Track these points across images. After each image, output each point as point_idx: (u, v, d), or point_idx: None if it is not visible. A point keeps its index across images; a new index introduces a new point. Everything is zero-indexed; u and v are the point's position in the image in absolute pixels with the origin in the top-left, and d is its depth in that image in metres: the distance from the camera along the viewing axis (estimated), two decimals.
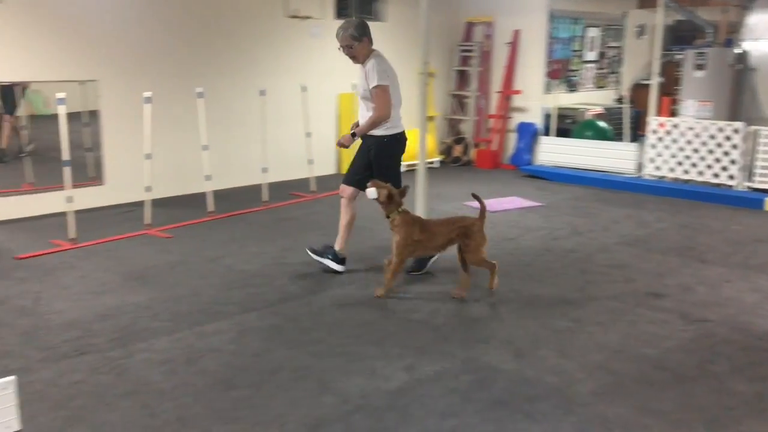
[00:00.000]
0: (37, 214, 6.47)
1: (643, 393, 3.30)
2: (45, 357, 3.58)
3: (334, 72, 8.83)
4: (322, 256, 5.01)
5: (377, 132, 4.77)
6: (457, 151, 10.04)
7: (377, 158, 4.84)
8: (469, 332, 4.01)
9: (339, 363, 3.58)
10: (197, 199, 7.15)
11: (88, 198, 6.73)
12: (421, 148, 6.04)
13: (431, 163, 9.08)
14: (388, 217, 4.59)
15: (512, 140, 9.89)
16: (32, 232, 5.93)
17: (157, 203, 6.60)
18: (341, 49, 4.76)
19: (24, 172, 6.87)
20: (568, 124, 9.68)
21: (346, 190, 4.98)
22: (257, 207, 7.09)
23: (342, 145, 4.82)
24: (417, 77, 6.05)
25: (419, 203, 6.08)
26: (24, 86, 6.70)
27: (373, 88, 4.64)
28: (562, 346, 3.82)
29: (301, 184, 8.08)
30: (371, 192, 4.59)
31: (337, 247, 5.02)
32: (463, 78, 10.37)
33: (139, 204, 6.47)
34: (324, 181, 8.34)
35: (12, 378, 2.88)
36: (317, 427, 2.96)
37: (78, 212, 5.78)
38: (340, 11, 8.99)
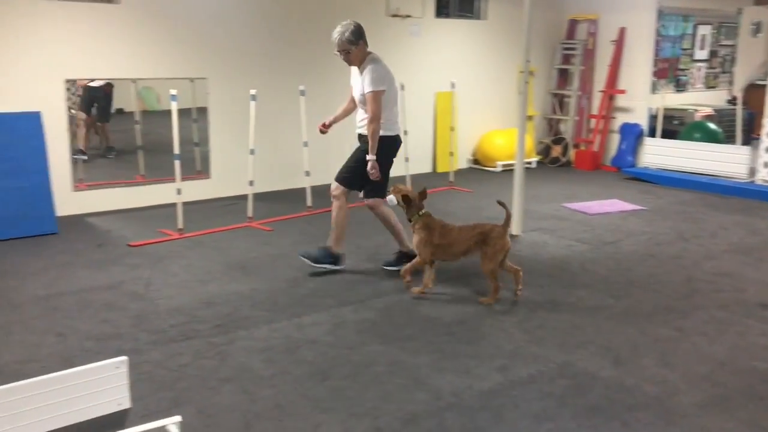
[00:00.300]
0: (148, 204, 6.82)
1: (751, 408, 3.13)
2: (154, 340, 3.78)
3: (432, 70, 8.85)
4: (317, 263, 4.96)
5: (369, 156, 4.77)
6: (556, 151, 9.83)
7: (358, 158, 4.83)
8: (566, 337, 3.93)
9: (432, 360, 3.59)
10: (296, 194, 7.34)
11: (195, 190, 7.05)
12: (519, 148, 5.96)
13: (528, 163, 8.93)
14: (410, 220, 4.57)
15: (614, 141, 9.59)
16: (143, 221, 6.26)
17: (259, 197, 6.82)
18: (337, 54, 4.75)
19: (137, 165, 7.26)
20: (675, 126, 9.28)
21: (337, 188, 5.00)
22: (353, 203, 7.17)
23: (375, 175, 4.75)
24: (517, 76, 5.95)
25: (516, 204, 6.01)
26: (107, 88, 7.02)
27: (367, 93, 4.65)
28: (664, 355, 3.68)
29: (399, 182, 8.11)
30: (392, 199, 4.59)
31: (337, 250, 5.00)
32: (564, 77, 10.14)
33: (242, 197, 6.71)
34: (420, 179, 8.35)
35: (124, 358, 3.06)
36: (410, 422, 2.98)
37: (185, 204, 6.06)
38: (440, 10, 8.99)
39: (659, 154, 8.84)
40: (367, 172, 4.74)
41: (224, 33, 7.18)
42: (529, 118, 9.56)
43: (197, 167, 7.36)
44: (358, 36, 4.66)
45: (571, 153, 9.80)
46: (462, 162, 9.49)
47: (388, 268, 5.03)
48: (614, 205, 7.26)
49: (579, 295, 4.59)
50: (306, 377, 3.38)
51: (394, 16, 8.40)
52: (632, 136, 9.27)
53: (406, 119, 7.79)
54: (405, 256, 4.96)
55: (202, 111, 7.28)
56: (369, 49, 4.80)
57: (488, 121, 9.60)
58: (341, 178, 4.94)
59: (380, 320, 4.12)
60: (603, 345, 3.81)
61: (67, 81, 6.30)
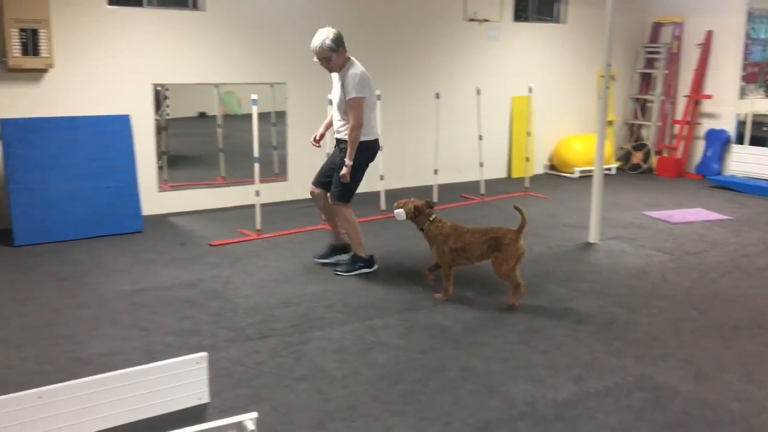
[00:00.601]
0: (228, 205, 7.02)
1: None
2: (232, 337, 3.89)
3: (509, 75, 8.77)
4: (353, 271, 4.98)
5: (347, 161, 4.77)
6: (637, 157, 9.55)
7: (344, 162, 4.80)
8: (645, 349, 3.81)
9: (505, 368, 3.55)
10: (371, 197, 7.39)
11: (273, 192, 7.20)
12: (598, 154, 5.83)
13: (608, 169, 8.71)
14: (422, 230, 4.52)
15: (699, 148, 9.24)
16: (223, 221, 6.45)
17: None
18: (318, 61, 4.75)
19: (218, 167, 7.48)
20: (764, 132, 8.86)
21: (315, 191, 5.01)
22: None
23: (346, 177, 4.77)
24: (597, 80, 5.82)
25: (593, 211, 5.88)
26: (163, 93, 7.20)
27: (350, 99, 4.67)
28: (750, 372, 3.52)
29: (471, 187, 8.09)
30: (400, 213, 4.54)
31: (361, 254, 5.01)
32: (646, 81, 9.85)
33: None
34: (494, 185, 8.30)
35: (204, 354, 3.17)
36: (482, 429, 2.96)
37: (263, 205, 6.21)
38: (519, 13, 8.90)
39: (747, 161, 8.46)
40: (339, 171, 4.78)
41: (303, 39, 7.29)
42: (609, 123, 9.34)
43: (275, 170, 7.52)
44: (338, 43, 4.72)
45: (653, 160, 9.50)
46: (538, 168, 9.34)
47: (320, 260, 5.15)
48: (698, 214, 6.99)
49: (659, 306, 4.45)
50: (378, 379, 3.40)
51: (472, 20, 8.37)
52: (718, 142, 8.92)
53: (481, 123, 7.75)
54: (360, 260, 5.01)
55: (280, 115, 7.45)
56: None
57: (566, 126, 9.42)
58: (333, 194, 4.93)
59: (452, 326, 4.10)
60: (684, 358, 3.68)
61: (155, 85, 6.57)
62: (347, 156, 4.73)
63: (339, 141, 4.96)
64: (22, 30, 5.71)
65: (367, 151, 4.88)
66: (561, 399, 3.23)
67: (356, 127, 4.70)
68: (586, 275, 5.08)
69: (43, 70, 5.94)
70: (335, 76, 4.88)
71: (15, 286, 4.66)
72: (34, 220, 5.63)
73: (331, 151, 5.45)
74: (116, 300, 4.43)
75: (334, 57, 4.71)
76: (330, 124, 5.15)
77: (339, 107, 4.86)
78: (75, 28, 6.06)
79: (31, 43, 5.76)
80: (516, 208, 4.50)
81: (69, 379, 2.94)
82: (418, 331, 4.02)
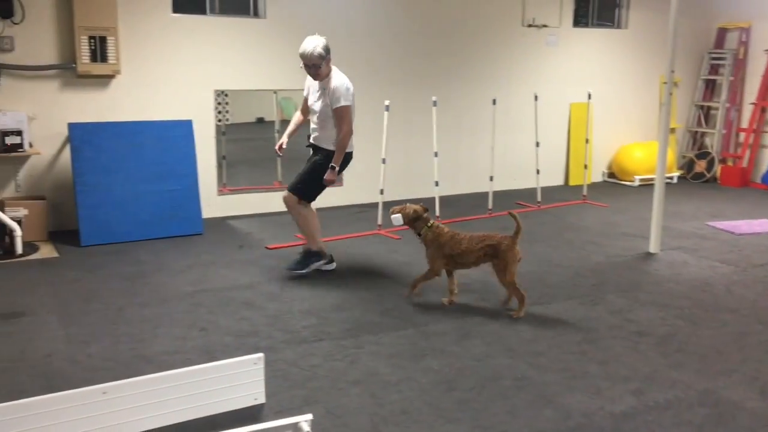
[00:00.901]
0: (284, 209, 7.10)
1: None
2: (288, 339, 3.94)
3: (567, 81, 8.66)
4: (307, 267, 5.03)
5: (330, 147, 4.85)
6: (700, 166, 9.29)
7: (318, 169, 4.86)
8: (707, 363, 3.70)
9: (560, 378, 3.50)
10: (425, 203, 7.38)
11: (328, 197, 7.24)
12: (660, 162, 5.70)
13: (669, 178, 8.49)
14: (419, 235, 4.50)
15: (766, 157, 8.93)
16: (280, 225, 6.54)
17: (388, 205, 6.92)
18: (307, 68, 4.76)
19: (276, 172, 7.60)
20: None
21: (291, 197, 5.00)
22: (482, 215, 7.16)
23: (331, 182, 4.87)
24: (659, 86, 5.69)
25: (654, 220, 5.75)
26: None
27: (338, 108, 4.75)
28: None
29: (527, 194, 8.01)
30: (397, 218, 4.51)
31: (314, 249, 5.08)
32: (711, 88, 9.58)
33: (372, 205, 6.85)
34: (550, 192, 8.19)
35: (261, 355, 3.22)
36: None
37: (318, 209, 6.26)
38: (578, 19, 8.78)
39: None
40: (309, 174, 4.90)
41: (359, 45, 7.38)
42: (672, 130, 9.11)
43: None
44: (327, 51, 4.78)
45: (717, 168, 9.22)
46: (596, 175, 9.19)
47: (294, 272, 5.04)
48: (765, 225, 6.75)
49: (723, 320, 4.31)
50: (432, 386, 3.39)
51: (530, 26, 8.30)
52: None
53: (538, 130, 7.66)
54: (313, 255, 5.07)
55: None
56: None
57: (626, 133, 9.23)
58: (295, 188, 4.99)
59: (507, 334, 4.06)
60: (749, 374, 3.56)
61: (216, 91, 6.72)
62: (334, 161, 4.82)
63: (316, 147, 5.01)
64: (91, 37, 5.92)
65: (344, 161, 4.96)
66: (619, 412, 3.17)
67: (347, 135, 4.83)
68: (646, 286, 4.97)
69: (111, 76, 6.15)
70: (315, 84, 4.92)
71: (81, 285, 4.82)
72: (100, 221, 5.83)
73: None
74: (177, 300, 4.55)
75: (322, 65, 4.78)
76: (293, 133, 5.19)
77: (321, 114, 4.89)
78: (141, 36, 6.25)
79: (99, 50, 5.97)
80: (511, 214, 4.49)
81: (132, 376, 3.03)
82: (472, 338, 3.99)
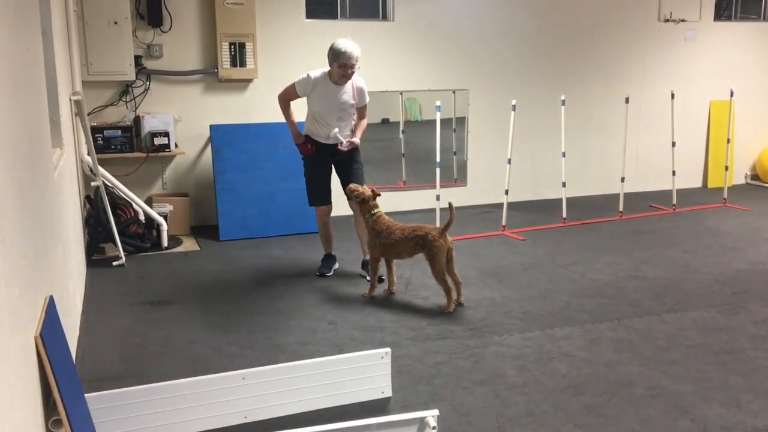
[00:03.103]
0: (408, 209, 7.22)
1: None
2: (413, 336, 4.00)
3: (707, 77, 8.20)
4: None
5: (355, 139, 4.95)
6: None
7: (357, 159, 5.03)
8: None
9: (697, 388, 3.34)
10: (551, 205, 7.26)
11: (452, 197, 7.26)
12: None
13: None
14: (364, 218, 4.61)
15: None
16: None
17: (513, 206, 6.87)
18: (346, 68, 4.73)
19: (400, 171, 7.71)
20: None
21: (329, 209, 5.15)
22: (612, 217, 6.93)
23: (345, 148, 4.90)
24: None
25: None
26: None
27: (365, 103, 4.98)
28: None
29: (662, 196, 7.66)
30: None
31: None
32: None
33: (497, 206, 6.81)
34: (687, 195, 7.80)
35: (388, 349, 3.30)
36: None
37: (443, 210, 6.30)
38: (720, 12, 8.29)
39: None
40: (357, 166, 5.03)
41: (486, 46, 7.35)
42: None
43: (454, 175, 7.61)
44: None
45: None
46: (738, 177, 8.64)
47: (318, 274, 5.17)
48: None
49: None
50: (559, 390, 3.34)
51: (667, 21, 7.92)
52: None
53: (674, 129, 7.31)
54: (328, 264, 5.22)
55: (460, 121, 7.52)
56: None
57: None
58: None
59: (639, 341, 3.92)
60: None
61: None
62: (358, 137, 4.98)
63: (327, 146, 4.96)
64: (231, 44, 6.28)
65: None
66: (762, 426, 2.98)
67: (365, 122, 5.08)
68: None
69: (248, 80, 6.49)
70: (332, 86, 4.84)
71: (220, 277, 5.13)
72: (237, 217, 6.17)
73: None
74: (307, 294, 4.73)
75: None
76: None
77: (343, 114, 4.90)
78: (276, 41, 6.55)
79: (238, 56, 6.32)
80: (449, 204, 4.48)
81: (267, 364, 3.20)
82: (602, 343, 3.89)
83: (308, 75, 4.85)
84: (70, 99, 4.92)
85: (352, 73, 4.82)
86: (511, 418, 3.07)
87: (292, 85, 4.92)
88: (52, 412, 2.29)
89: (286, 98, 4.98)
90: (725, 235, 6.27)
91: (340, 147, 4.91)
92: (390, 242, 4.53)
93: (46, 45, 3.77)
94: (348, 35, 6.76)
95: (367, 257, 5.07)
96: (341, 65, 4.73)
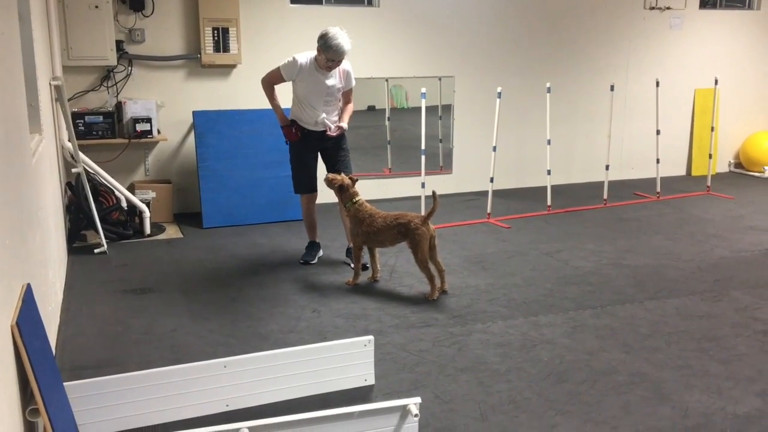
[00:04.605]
0: (393, 196, 7.20)
1: None
2: (396, 324, 3.99)
3: (692, 66, 8.23)
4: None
5: (343, 124, 4.92)
6: None
7: (344, 145, 4.99)
8: None
9: (678, 375, 3.36)
10: (536, 192, 7.27)
11: (437, 185, 7.26)
12: None
13: None
14: (346, 208, 4.60)
15: None
16: (389, 211, 6.61)
17: (498, 194, 6.87)
18: (333, 62, 4.66)
19: (385, 159, 7.68)
20: None
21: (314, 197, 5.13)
22: (596, 205, 6.95)
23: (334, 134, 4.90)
24: None
25: None
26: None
27: (352, 88, 4.96)
28: None
29: (646, 184, 7.70)
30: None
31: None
32: None
33: (482, 194, 6.80)
34: (671, 183, 7.84)
35: (371, 337, 3.29)
36: None
37: (428, 197, 6.29)
38: (706, 1, 8.30)
39: None
40: (344, 152, 5.01)
41: (473, 33, 7.31)
42: None
43: (440, 162, 7.60)
44: None
45: None
46: (722, 165, 8.69)
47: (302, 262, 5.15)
48: None
49: None
50: (542, 377, 3.34)
51: (653, 8, 7.92)
52: None
53: (659, 117, 7.32)
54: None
55: (446, 108, 7.50)
56: None
57: (756, 121, 8.67)
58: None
59: (622, 328, 3.94)
60: None
61: None
62: (345, 122, 4.94)
63: (313, 133, 4.91)
64: (215, 29, 6.21)
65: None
66: (742, 413, 3.00)
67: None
68: None
69: (232, 66, 6.42)
70: (319, 72, 4.76)
71: (203, 264, 5.09)
72: (220, 205, 6.12)
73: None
74: (291, 282, 4.71)
75: None
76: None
77: (331, 98, 4.86)
78: (260, 26, 6.48)
79: (221, 41, 6.25)
80: (432, 193, 4.48)
81: (249, 352, 3.18)
82: (585, 331, 3.90)
83: (294, 59, 4.77)
84: (49, 84, 4.84)
85: (337, 64, 4.75)
86: (494, 406, 3.07)
87: (277, 69, 4.84)
88: (29, 401, 2.26)
89: (270, 82, 4.91)
90: (708, 222, 6.31)
91: (329, 132, 4.88)
92: (372, 230, 4.52)
93: (23, 29, 3.70)
94: (333, 21, 6.71)
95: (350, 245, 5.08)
96: (329, 60, 4.67)
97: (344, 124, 4.94)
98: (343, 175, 4.71)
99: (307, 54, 4.80)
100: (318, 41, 4.67)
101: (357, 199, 4.61)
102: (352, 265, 4.80)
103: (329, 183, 4.68)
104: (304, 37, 6.64)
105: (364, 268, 4.79)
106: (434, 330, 3.90)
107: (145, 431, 2.87)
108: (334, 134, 4.90)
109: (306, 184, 5.06)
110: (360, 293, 4.49)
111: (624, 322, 4.02)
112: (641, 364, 3.48)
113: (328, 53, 4.62)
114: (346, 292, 4.50)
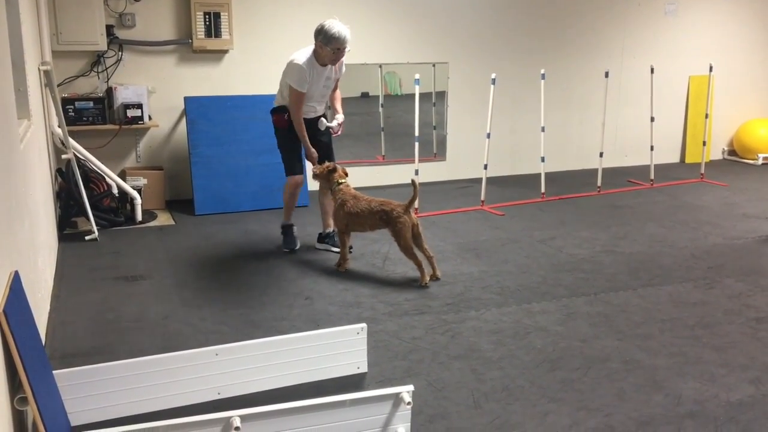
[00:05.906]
0: (387, 183, 7.16)
1: None
2: (390, 311, 3.98)
3: (687, 52, 8.20)
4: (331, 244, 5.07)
5: (341, 116, 4.97)
6: None
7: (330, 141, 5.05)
8: None
9: (672, 363, 3.35)
10: (530, 180, 7.25)
11: (431, 172, 7.26)
12: None
13: None
14: (332, 188, 4.63)
15: None
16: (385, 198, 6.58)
17: (492, 181, 6.85)
18: (339, 51, 4.59)
19: (379, 146, 7.64)
20: None
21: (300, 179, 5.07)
22: (590, 192, 6.94)
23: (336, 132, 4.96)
24: None
25: None
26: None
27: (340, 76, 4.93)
28: None
29: (640, 171, 7.69)
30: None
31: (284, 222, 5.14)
32: None
33: (476, 181, 6.78)
34: (665, 170, 7.84)
35: (364, 325, 3.27)
36: (645, 425, 2.82)
37: (422, 184, 6.26)
38: None
39: None
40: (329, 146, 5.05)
41: (466, 19, 7.26)
42: None
43: (434, 150, 7.56)
44: None
45: None
46: (716, 153, 8.70)
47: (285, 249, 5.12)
48: None
49: None
50: (535, 364, 3.34)
51: None
52: None
53: (654, 104, 7.30)
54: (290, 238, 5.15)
55: (440, 95, 7.46)
56: None
57: (750, 108, 8.66)
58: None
59: (615, 315, 3.93)
60: None
61: None
62: (341, 112, 4.98)
63: (305, 120, 4.86)
64: (206, 14, 6.13)
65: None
66: (735, 400, 3.00)
67: None
68: (767, 270, 4.68)
69: (224, 52, 6.36)
70: (319, 68, 4.69)
71: (195, 252, 5.06)
72: (212, 191, 6.08)
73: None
74: (283, 269, 4.68)
75: None
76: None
77: (325, 89, 4.86)
78: (252, 11, 6.41)
79: (213, 26, 6.18)
80: (411, 181, 4.56)
81: (241, 340, 3.15)
82: (578, 318, 3.89)
83: (299, 66, 4.59)
84: (38, 69, 4.78)
85: (341, 55, 4.67)
86: (487, 393, 3.06)
87: (294, 90, 4.64)
88: (17, 389, 2.24)
89: (299, 105, 4.71)
90: (702, 210, 6.31)
91: (335, 134, 5.01)
92: (355, 212, 4.51)
93: (10, 12, 3.64)
94: (325, 6, 6.66)
95: (328, 230, 5.08)
96: (335, 50, 4.57)
97: (342, 116, 4.96)
98: (334, 164, 4.74)
99: (303, 54, 4.67)
100: (316, 37, 4.57)
101: (343, 180, 4.64)
102: (336, 250, 4.79)
103: (319, 173, 4.70)
104: (296, 23, 6.58)
105: (350, 250, 4.80)
106: (427, 317, 3.89)
107: (136, 419, 2.85)
108: (339, 133, 5.00)
109: (298, 166, 5.05)
110: (353, 281, 4.47)
111: (617, 310, 4.01)
112: (635, 351, 3.48)
113: (333, 44, 4.52)
114: (338, 280, 4.48)
